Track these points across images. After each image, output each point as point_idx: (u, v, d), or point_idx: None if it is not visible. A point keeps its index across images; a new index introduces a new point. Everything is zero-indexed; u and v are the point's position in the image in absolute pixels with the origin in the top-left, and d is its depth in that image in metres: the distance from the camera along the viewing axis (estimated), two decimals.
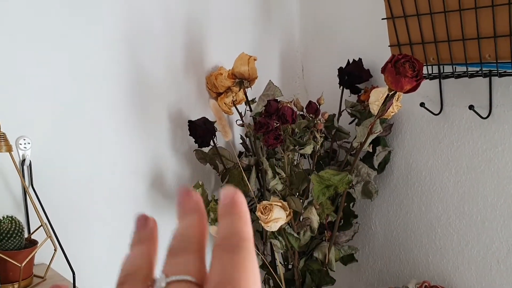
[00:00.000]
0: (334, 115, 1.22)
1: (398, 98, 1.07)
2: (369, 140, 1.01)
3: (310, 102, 0.98)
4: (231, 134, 0.98)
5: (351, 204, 1.21)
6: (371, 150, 1.09)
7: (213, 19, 1.24)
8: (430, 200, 1.16)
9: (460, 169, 1.10)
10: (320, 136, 0.98)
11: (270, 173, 0.98)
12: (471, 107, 1.02)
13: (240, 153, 1.28)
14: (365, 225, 1.32)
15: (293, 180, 1.02)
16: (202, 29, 1.23)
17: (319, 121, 0.97)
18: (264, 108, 0.93)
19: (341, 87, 1.24)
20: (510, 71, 0.91)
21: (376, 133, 0.94)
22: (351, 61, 1.23)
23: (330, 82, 1.26)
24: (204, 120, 1.11)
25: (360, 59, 1.22)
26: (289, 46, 1.43)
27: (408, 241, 1.22)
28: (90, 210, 1.07)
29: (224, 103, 1.21)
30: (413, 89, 0.83)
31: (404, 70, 0.81)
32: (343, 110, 1.22)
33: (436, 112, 1.11)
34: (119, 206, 1.11)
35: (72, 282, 0.80)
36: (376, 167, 1.18)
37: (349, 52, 1.26)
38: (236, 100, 1.22)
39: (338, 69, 1.24)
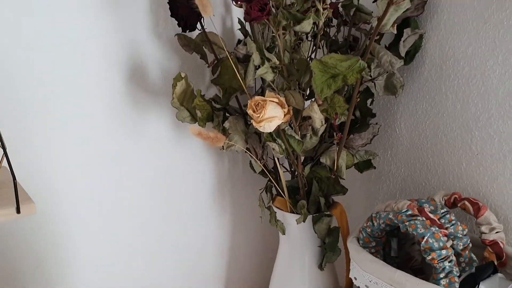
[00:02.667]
0: None
1: None
2: (392, 17, 0.78)
3: None
4: (212, 9, 0.77)
5: (368, 101, 1.01)
6: (395, 32, 0.86)
7: None
8: (468, 96, 0.94)
9: (510, 56, 0.86)
10: (324, 8, 0.75)
11: (256, 57, 0.78)
12: None
13: (239, 41, 1.07)
14: (388, 127, 1.12)
15: (292, 70, 0.81)
16: None
17: None
18: None
19: None
20: None
21: (400, 4, 0.71)
22: None
23: None
24: None
25: None
26: None
27: (438, 145, 1.02)
28: (58, 102, 0.91)
29: None
30: None
31: None
32: None
33: None
34: (91, 99, 0.95)
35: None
36: (402, 55, 0.95)
37: None
38: None
39: None
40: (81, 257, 1.01)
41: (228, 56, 0.84)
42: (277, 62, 0.78)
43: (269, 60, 0.78)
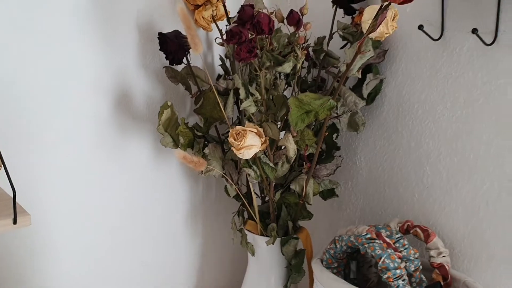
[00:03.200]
0: (324, 37, 1.11)
1: (394, 18, 0.95)
2: (358, 63, 0.90)
3: (291, 11, 0.86)
4: (202, 48, 0.87)
5: (334, 136, 1.12)
6: (360, 76, 0.98)
7: None
8: (421, 136, 1.07)
9: (457, 102, 1.00)
10: (303, 54, 0.86)
11: (242, 92, 0.88)
12: (474, 31, 0.91)
13: (219, 76, 1.17)
14: (349, 160, 1.23)
15: (270, 104, 0.92)
16: None
17: (300, 35, 0.85)
18: (237, 14, 0.81)
19: (334, 6, 1.11)
20: None
21: (365, 53, 0.83)
22: None
23: (323, 1, 1.13)
24: (176, 33, 1.00)
25: None
26: None
27: (394, 178, 1.14)
28: (45, 123, 0.97)
29: (202, 17, 1.09)
30: None
31: None
32: (334, 32, 1.10)
33: (436, 37, 1.00)
34: (78, 122, 1.01)
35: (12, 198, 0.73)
36: (365, 96, 1.08)
37: None
38: (216, 15, 1.10)
39: None
40: (58, 267, 1.04)
41: (213, 88, 0.93)
42: (259, 97, 0.88)
43: (252, 95, 0.88)
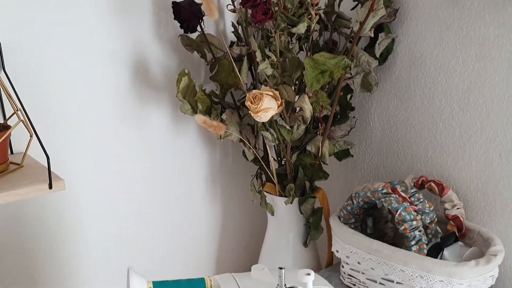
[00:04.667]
0: None
1: None
2: (370, 21, 0.91)
3: None
4: (217, 13, 0.89)
5: (348, 97, 1.14)
6: (372, 35, 1.00)
7: None
8: (434, 93, 1.09)
9: (468, 57, 1.01)
10: (316, 13, 0.88)
11: (259, 55, 0.90)
12: None
13: (232, 43, 1.19)
14: (363, 121, 1.26)
15: (285, 66, 0.94)
16: None
17: None
18: None
19: None
20: None
21: (378, 10, 0.84)
22: None
23: None
24: (190, 1, 1.01)
25: None
26: None
27: (407, 136, 1.16)
28: (68, 98, 1.01)
29: None
30: None
31: None
32: None
33: None
34: (99, 94, 1.05)
35: (47, 166, 0.77)
36: (377, 56, 1.09)
37: None
38: None
39: None
40: (89, 237, 1.10)
41: (229, 53, 0.95)
42: (275, 59, 0.90)
43: (268, 57, 0.90)
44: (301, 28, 0.87)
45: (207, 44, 1.07)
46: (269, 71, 0.91)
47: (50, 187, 0.78)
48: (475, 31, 0.99)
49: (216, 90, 1.09)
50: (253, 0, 0.80)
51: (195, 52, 1.10)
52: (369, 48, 1.12)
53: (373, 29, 0.97)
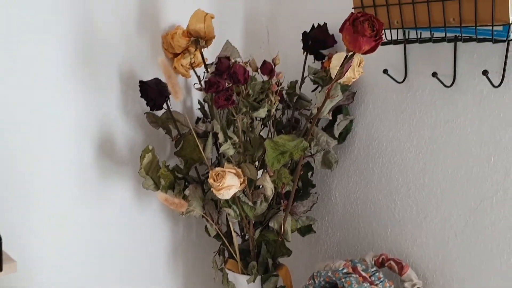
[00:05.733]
0: (296, 81, 1.17)
1: (360, 64, 1.02)
2: (328, 106, 0.96)
3: (264, 61, 0.93)
4: (182, 95, 0.92)
5: (309, 174, 1.17)
6: (331, 118, 1.05)
7: None
8: (391, 172, 1.13)
9: (422, 139, 1.07)
10: (276, 99, 0.92)
11: (221, 136, 0.93)
12: (434, 75, 0.98)
13: (198, 119, 1.22)
14: (325, 196, 1.28)
15: (247, 146, 0.97)
16: None
17: (273, 83, 0.92)
18: (214, 62, 0.87)
19: (305, 52, 1.18)
20: (474, 36, 0.87)
21: (334, 97, 0.89)
22: (316, 25, 1.17)
23: (296, 48, 1.20)
24: (156, 81, 1.05)
25: (325, 24, 1.16)
26: (254, 8, 1.36)
27: (367, 213, 1.19)
28: (28, 172, 1.00)
29: (181, 64, 1.15)
30: (372, 49, 0.78)
31: (362, 28, 0.76)
32: (305, 77, 1.17)
33: (400, 80, 1.07)
34: (63, 168, 1.04)
35: None
36: (336, 136, 1.14)
37: (316, 16, 1.20)
38: (194, 62, 1.16)
39: (302, 34, 1.18)
40: None
41: (192, 131, 0.98)
42: (237, 140, 0.93)
43: (230, 138, 0.93)
44: (261, 113, 0.91)
45: (173, 121, 1.10)
46: (231, 152, 0.94)
47: (0, 269, 0.76)
48: (427, 116, 1.05)
49: (180, 164, 1.10)
50: (216, 87, 0.84)
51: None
52: (329, 127, 1.17)
53: (331, 112, 1.02)
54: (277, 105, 0.96)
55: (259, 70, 0.96)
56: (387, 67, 1.08)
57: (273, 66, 0.94)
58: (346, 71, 0.83)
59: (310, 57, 1.19)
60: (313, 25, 1.17)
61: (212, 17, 1.04)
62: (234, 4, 1.31)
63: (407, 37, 1.00)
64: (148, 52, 1.14)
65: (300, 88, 1.17)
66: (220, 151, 0.97)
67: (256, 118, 0.95)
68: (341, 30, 0.79)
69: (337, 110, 1.15)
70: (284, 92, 1.17)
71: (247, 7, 1.35)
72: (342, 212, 1.25)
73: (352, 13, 0.79)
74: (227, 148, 0.93)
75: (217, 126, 0.93)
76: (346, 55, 0.81)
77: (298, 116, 1.21)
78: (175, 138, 1.11)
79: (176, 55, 1.15)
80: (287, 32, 1.32)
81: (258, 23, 1.38)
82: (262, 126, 1.12)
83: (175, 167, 1.11)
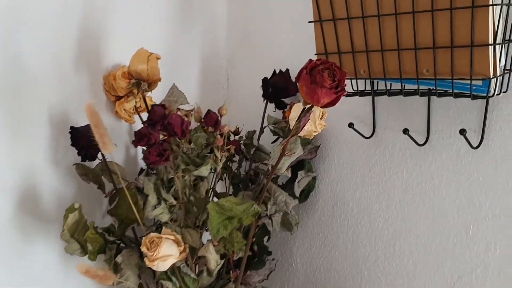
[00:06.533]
0: (254, 131, 1.05)
1: (322, 116, 0.91)
2: (286, 162, 0.83)
3: (209, 111, 0.80)
4: (112, 147, 0.78)
5: (265, 239, 1.03)
6: (289, 175, 0.92)
7: (119, 10, 1.04)
8: (358, 237, 1.00)
9: (392, 202, 0.94)
10: (222, 155, 0.79)
11: (152, 199, 0.78)
12: (405, 131, 0.87)
13: (142, 170, 1.07)
14: (284, 261, 1.14)
15: (189, 208, 0.82)
16: (104, 19, 1.03)
17: (219, 136, 0.78)
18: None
19: (265, 100, 1.06)
20: (450, 90, 0.76)
21: (292, 153, 0.77)
22: (278, 71, 1.06)
23: (257, 95, 1.08)
24: (89, 127, 0.90)
25: (287, 70, 1.05)
26: (214, 48, 1.25)
27: (331, 282, 1.05)
28: None
29: (124, 109, 1.01)
30: (332, 103, 0.66)
31: (321, 79, 0.64)
32: (265, 127, 1.05)
33: (368, 135, 0.96)
34: None
35: None
36: (297, 194, 1.01)
37: (280, 61, 1.09)
38: (140, 106, 1.02)
39: (262, 80, 1.06)
40: None
41: (124, 188, 0.83)
42: (174, 202, 0.79)
43: (166, 200, 0.79)
44: (203, 171, 0.77)
45: (108, 173, 0.95)
46: (165, 218, 0.79)
47: None
48: (398, 176, 0.93)
49: (114, 225, 0.95)
50: (147, 139, 0.71)
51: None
52: (290, 183, 1.04)
53: (290, 169, 0.89)
54: (227, 160, 0.82)
55: (202, 121, 0.83)
56: (353, 120, 0.96)
57: (219, 117, 0.81)
58: (304, 125, 0.70)
59: (272, 105, 1.07)
60: (274, 71, 1.05)
61: (158, 58, 0.92)
62: (190, 44, 1.20)
63: (375, 88, 0.89)
64: (86, 93, 1.00)
65: (258, 139, 1.05)
66: (150, 217, 0.82)
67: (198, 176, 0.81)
68: (297, 79, 0.67)
69: (299, 165, 1.02)
70: (241, 142, 1.04)
71: (205, 48, 1.23)
72: (303, 280, 1.10)
73: (310, 59, 0.67)
74: (160, 213, 0.78)
75: (148, 185, 0.78)
76: (304, 108, 0.69)
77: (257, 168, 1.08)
78: (109, 194, 0.95)
79: (119, 98, 1.02)
80: (248, 77, 1.21)
81: (217, 65, 1.27)
82: (218, 180, 0.99)
83: (110, 226, 0.96)
